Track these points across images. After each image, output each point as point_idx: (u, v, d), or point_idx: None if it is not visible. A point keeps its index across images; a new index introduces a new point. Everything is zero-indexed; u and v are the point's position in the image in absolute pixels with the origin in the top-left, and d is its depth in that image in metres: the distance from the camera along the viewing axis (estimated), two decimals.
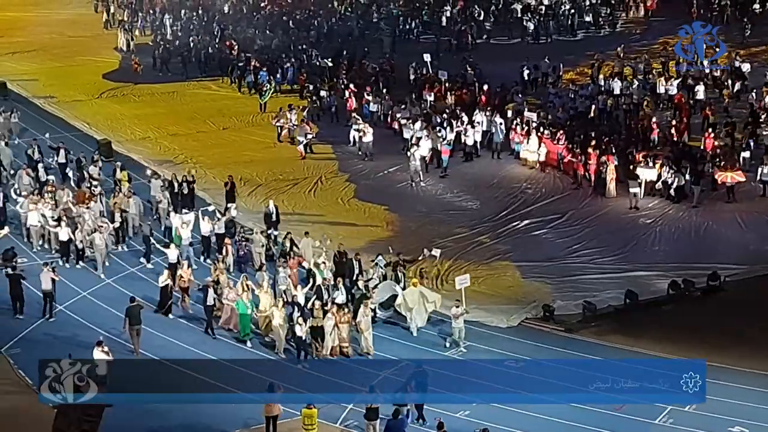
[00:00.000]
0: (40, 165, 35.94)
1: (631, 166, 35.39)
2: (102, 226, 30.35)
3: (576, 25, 58.25)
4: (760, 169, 34.97)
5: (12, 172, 36.62)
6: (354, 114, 42.41)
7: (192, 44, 54.98)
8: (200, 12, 62.89)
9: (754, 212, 34.00)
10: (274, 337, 26.09)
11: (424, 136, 38.43)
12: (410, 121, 40.40)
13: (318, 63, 50.80)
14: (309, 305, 26.28)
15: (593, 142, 36.87)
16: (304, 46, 54.56)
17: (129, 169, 36.43)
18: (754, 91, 42.78)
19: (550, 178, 37.45)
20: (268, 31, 58.80)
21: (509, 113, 40.96)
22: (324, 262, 28.61)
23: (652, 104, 42.68)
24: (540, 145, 38.07)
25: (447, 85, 45.64)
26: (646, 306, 28.46)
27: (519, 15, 59.11)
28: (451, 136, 38.87)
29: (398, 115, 41.86)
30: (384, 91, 45.64)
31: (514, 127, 39.54)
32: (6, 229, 31.23)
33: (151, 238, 30.66)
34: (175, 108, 47.74)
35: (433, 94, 44.55)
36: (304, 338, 25.41)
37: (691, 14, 55.56)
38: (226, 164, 39.42)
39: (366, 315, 25.98)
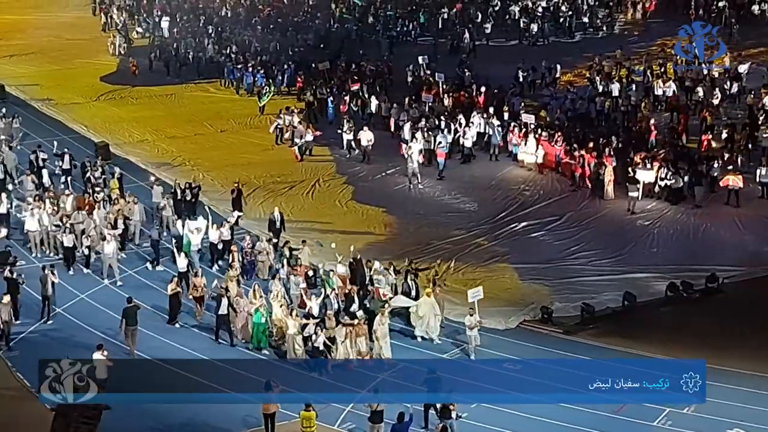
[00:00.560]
0: (44, 171, 35.83)
1: (630, 168, 35.39)
2: (110, 234, 29.91)
3: (574, 26, 58.29)
4: (758, 171, 35.01)
5: (17, 176, 36.50)
6: (345, 117, 42.35)
7: (189, 47, 55.01)
8: (198, 15, 62.81)
9: (753, 214, 34.00)
10: (287, 347, 25.80)
11: (416, 139, 38.45)
12: (408, 123, 40.41)
13: (315, 66, 50.73)
14: (321, 314, 25.91)
15: (591, 144, 36.95)
16: (302, 49, 54.51)
17: (128, 172, 36.37)
18: (752, 92, 42.82)
19: (548, 180, 37.45)
20: (266, 33, 58.73)
21: (505, 115, 40.97)
22: (332, 270, 28.42)
23: (650, 106, 42.75)
24: (538, 147, 38.08)
25: (444, 87, 45.66)
26: (644, 308, 28.46)
27: (516, 17, 59.14)
28: (448, 139, 38.89)
29: (396, 118, 41.89)
30: (383, 93, 45.56)
31: (511, 129, 39.56)
32: (4, 231, 31.24)
33: (159, 242, 30.59)
34: (173, 110, 47.72)
35: (431, 96, 44.54)
36: (321, 349, 25.15)
37: (689, 15, 55.61)
38: (224, 167, 39.47)
39: (382, 323, 25.61)
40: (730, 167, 35.18)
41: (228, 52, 53.69)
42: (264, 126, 43.90)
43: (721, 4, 57.45)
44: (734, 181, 34.28)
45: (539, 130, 38.75)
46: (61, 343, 25.52)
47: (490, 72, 47.73)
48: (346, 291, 27.25)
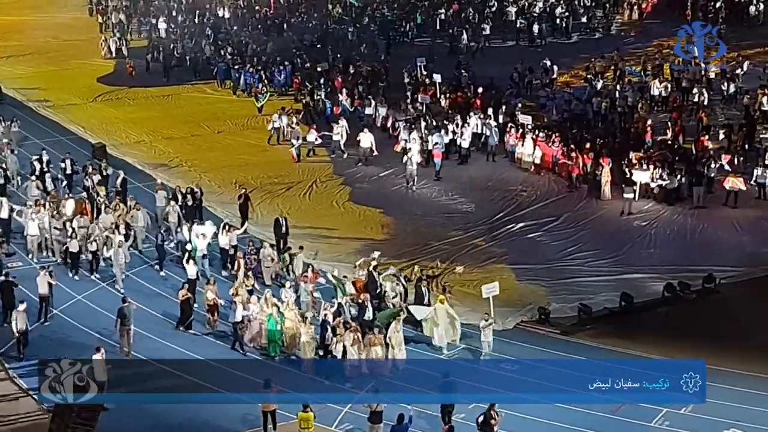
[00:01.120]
0: (47, 175, 35.72)
1: (626, 169, 35.42)
2: (119, 241, 29.58)
3: (571, 27, 58.33)
4: (755, 171, 35.06)
5: (19, 181, 36.39)
6: (340, 118, 42.30)
7: (186, 48, 55.03)
8: (195, 15, 62.79)
9: (750, 214, 34.05)
10: (300, 354, 25.64)
11: (412, 139, 38.44)
12: (404, 124, 40.42)
13: (306, 68, 50.72)
14: (333, 322, 25.60)
15: (588, 145, 37.00)
16: (300, 50, 54.50)
17: (126, 173, 36.32)
18: (748, 93, 42.87)
19: (545, 181, 37.48)
20: (262, 34, 58.71)
21: (500, 117, 40.99)
22: (346, 276, 28.22)
23: (646, 106, 42.79)
24: (535, 148, 38.11)
25: (441, 88, 45.67)
26: (641, 308, 28.47)
27: (513, 18, 59.17)
28: (445, 139, 38.89)
29: (393, 119, 41.92)
30: (380, 94, 45.61)
31: (508, 129, 39.58)
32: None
33: (164, 246, 30.54)
34: (169, 111, 47.71)
35: (428, 96, 44.57)
36: (339, 357, 24.97)
37: (685, 16, 55.67)
38: (221, 168, 39.48)
39: (397, 331, 25.36)
40: (729, 168, 35.23)
41: (224, 53, 53.70)
42: (261, 127, 43.93)
43: (717, 4, 57.56)
44: (734, 182, 34.31)
45: (536, 131, 38.78)
46: (59, 344, 25.47)
47: (488, 73, 47.77)
48: (360, 300, 26.88)
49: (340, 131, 40.48)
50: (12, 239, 31.86)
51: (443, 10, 60.62)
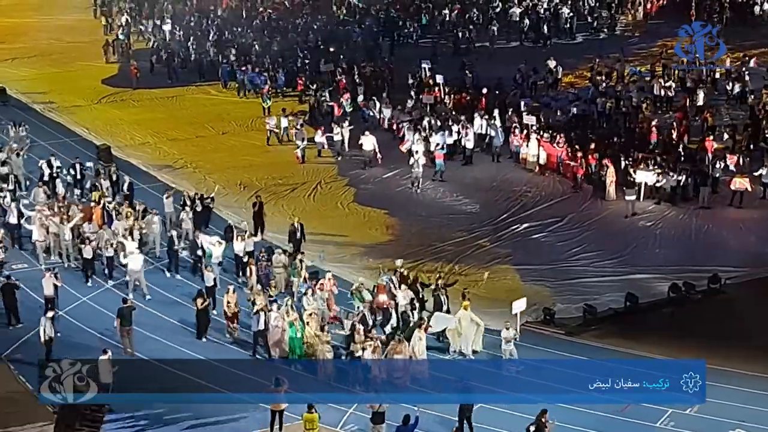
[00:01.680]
0: (58, 180, 35.70)
1: (631, 169, 35.38)
2: (132, 248, 29.43)
3: (575, 28, 58.29)
4: (761, 171, 34.97)
5: (27, 184, 36.40)
6: (344, 120, 42.25)
7: (191, 49, 55.08)
8: (200, 17, 62.86)
9: (755, 215, 34.02)
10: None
11: (415, 140, 38.44)
12: (410, 124, 40.41)
13: (308, 68, 50.71)
14: (350, 330, 25.55)
15: (593, 145, 36.97)
16: (304, 51, 54.48)
17: (130, 175, 36.32)
18: (753, 93, 42.81)
19: (550, 182, 37.47)
20: (264, 35, 58.73)
21: (506, 118, 40.97)
22: (362, 283, 28.09)
23: (651, 107, 42.74)
24: (539, 149, 38.08)
25: (445, 89, 45.65)
26: (646, 309, 28.44)
27: (517, 18, 59.15)
28: (449, 140, 38.87)
29: (397, 120, 41.91)
30: (384, 95, 45.61)
31: (513, 130, 39.56)
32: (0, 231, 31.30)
33: (177, 251, 30.48)
34: (174, 113, 47.76)
35: (432, 97, 44.55)
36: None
37: (690, 17, 55.61)
38: (226, 169, 39.52)
39: (420, 339, 25.08)
40: (734, 169, 35.16)
41: (228, 53, 53.71)
42: (265, 128, 43.88)
43: (722, 5, 57.52)
44: (741, 183, 34.26)
45: (541, 132, 38.76)
46: (64, 346, 25.45)
47: (492, 73, 47.75)
48: (385, 306, 26.75)
49: (341, 132, 40.46)
50: (24, 246, 31.93)
51: (447, 11, 60.61)
